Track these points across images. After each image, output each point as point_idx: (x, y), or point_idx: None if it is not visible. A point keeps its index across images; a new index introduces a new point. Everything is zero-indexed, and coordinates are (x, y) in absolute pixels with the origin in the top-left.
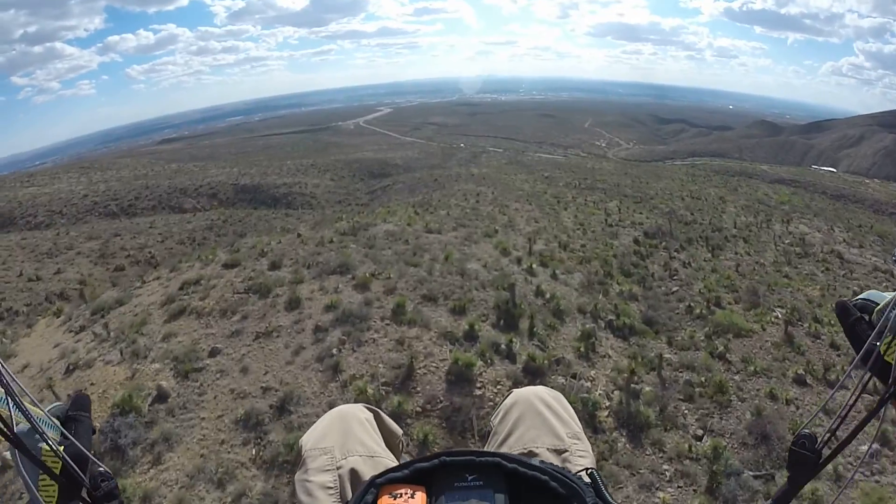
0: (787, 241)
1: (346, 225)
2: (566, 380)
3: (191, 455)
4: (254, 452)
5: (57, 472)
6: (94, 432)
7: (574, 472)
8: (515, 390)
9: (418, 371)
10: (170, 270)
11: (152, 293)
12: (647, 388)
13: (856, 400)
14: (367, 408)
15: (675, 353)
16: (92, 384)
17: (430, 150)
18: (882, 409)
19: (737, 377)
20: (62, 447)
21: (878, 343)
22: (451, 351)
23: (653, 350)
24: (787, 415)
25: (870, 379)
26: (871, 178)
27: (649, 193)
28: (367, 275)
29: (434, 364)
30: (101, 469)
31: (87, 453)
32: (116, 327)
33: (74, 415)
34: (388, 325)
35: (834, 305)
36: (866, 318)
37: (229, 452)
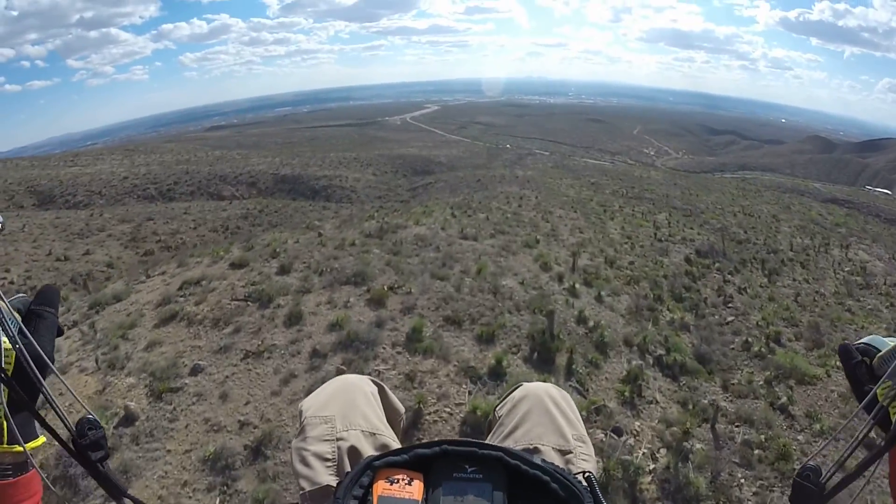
0: (846, 270)
1: (373, 225)
2: (606, 435)
3: (148, 495)
4: (217, 502)
5: (9, 372)
6: (59, 333)
7: (574, 473)
8: (525, 383)
9: (427, 417)
10: (177, 266)
11: (152, 290)
12: (699, 447)
13: (864, 436)
14: (373, 381)
15: (732, 401)
16: (61, 394)
17: (475, 150)
18: (886, 452)
19: (801, 437)
20: (17, 344)
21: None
22: (470, 393)
23: (706, 395)
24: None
25: (873, 425)
26: None
27: (699, 207)
28: (385, 288)
29: (448, 409)
30: (89, 416)
31: (47, 358)
32: (104, 327)
33: (38, 309)
34: (399, 353)
35: (837, 347)
36: (867, 361)
37: (190, 497)
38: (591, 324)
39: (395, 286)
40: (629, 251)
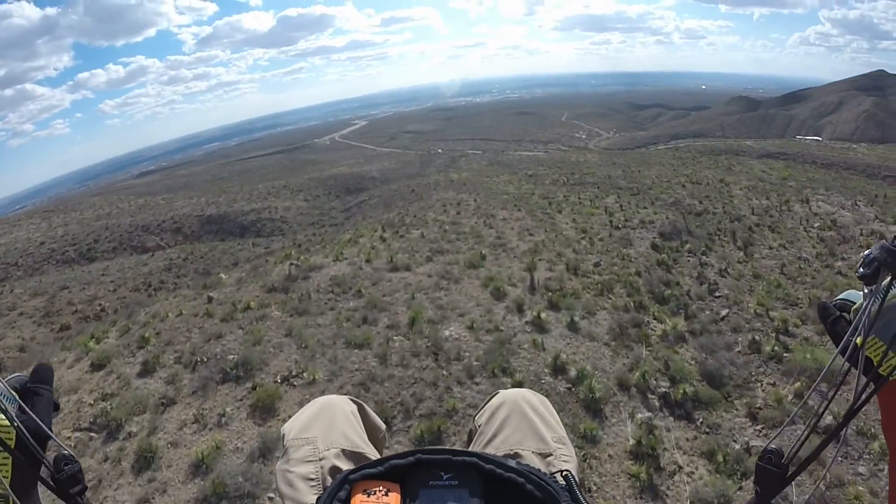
0: (816, 225)
1: (282, 272)
2: None
3: None
4: None
5: (11, 447)
6: (55, 408)
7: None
8: (502, 391)
9: None
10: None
11: None
12: None
13: (823, 412)
14: (352, 400)
15: (765, 434)
16: None
17: (407, 160)
18: (845, 427)
19: (863, 470)
20: (15, 423)
21: (853, 339)
22: None
23: (733, 433)
24: None
25: (847, 373)
26: (857, 143)
27: (645, 183)
28: (278, 381)
29: None
30: (64, 452)
31: (48, 430)
32: None
33: (34, 387)
34: None
35: (816, 306)
36: (846, 316)
37: None
38: (571, 372)
39: (293, 374)
40: (589, 248)
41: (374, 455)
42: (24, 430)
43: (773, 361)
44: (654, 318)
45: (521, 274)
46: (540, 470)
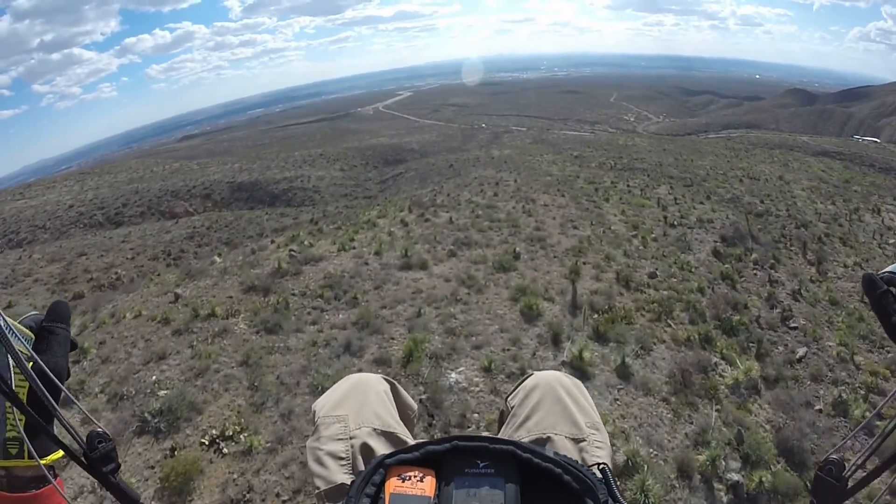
0: (891, 242)
1: (275, 259)
2: None
3: None
4: None
5: (24, 394)
6: (73, 347)
7: (591, 463)
8: (536, 373)
9: None
10: None
11: None
12: None
13: (893, 429)
14: (385, 378)
15: None
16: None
17: (449, 133)
18: None
19: None
20: (30, 363)
21: None
22: None
23: None
24: None
25: None
26: None
27: (699, 174)
28: (205, 443)
29: None
30: (98, 429)
31: (62, 374)
32: None
33: (49, 326)
34: None
35: (861, 279)
36: (894, 291)
37: None
38: (619, 456)
39: (227, 434)
40: (642, 250)
41: (405, 435)
42: (34, 377)
43: (863, 434)
44: (723, 358)
45: (561, 283)
46: (577, 461)
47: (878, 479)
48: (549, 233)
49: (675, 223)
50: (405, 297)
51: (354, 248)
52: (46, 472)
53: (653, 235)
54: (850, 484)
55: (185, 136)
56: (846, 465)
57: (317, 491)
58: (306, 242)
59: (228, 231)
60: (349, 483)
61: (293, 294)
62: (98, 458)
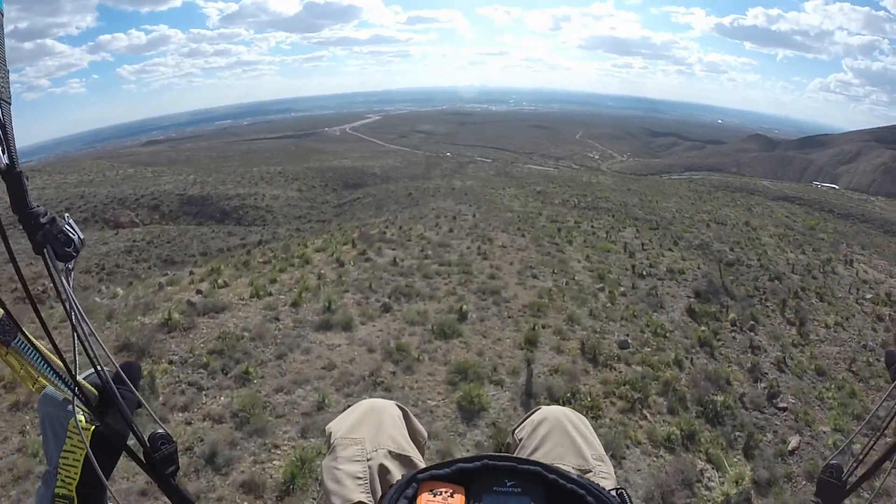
0: (868, 297)
1: (169, 306)
2: None
3: None
4: None
5: (81, 454)
6: (138, 406)
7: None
8: (544, 407)
9: None
10: None
11: None
12: None
13: (883, 431)
14: (398, 405)
15: None
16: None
17: (413, 160)
18: None
19: None
20: (92, 427)
21: None
22: None
23: None
24: None
25: (891, 420)
26: (874, 195)
27: (665, 217)
28: None
29: None
30: (160, 431)
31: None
32: None
33: (119, 389)
34: None
35: (885, 356)
36: None
37: None
38: None
39: None
40: (610, 309)
41: (419, 459)
42: (100, 434)
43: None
44: (709, 460)
45: (514, 356)
46: (599, 485)
47: (875, 476)
48: (505, 282)
49: (645, 272)
50: (311, 374)
51: (271, 294)
52: None
53: (621, 289)
54: (850, 484)
55: (149, 141)
56: (845, 468)
57: None
58: (220, 281)
59: (170, 247)
60: (367, 501)
61: (172, 360)
62: (160, 459)
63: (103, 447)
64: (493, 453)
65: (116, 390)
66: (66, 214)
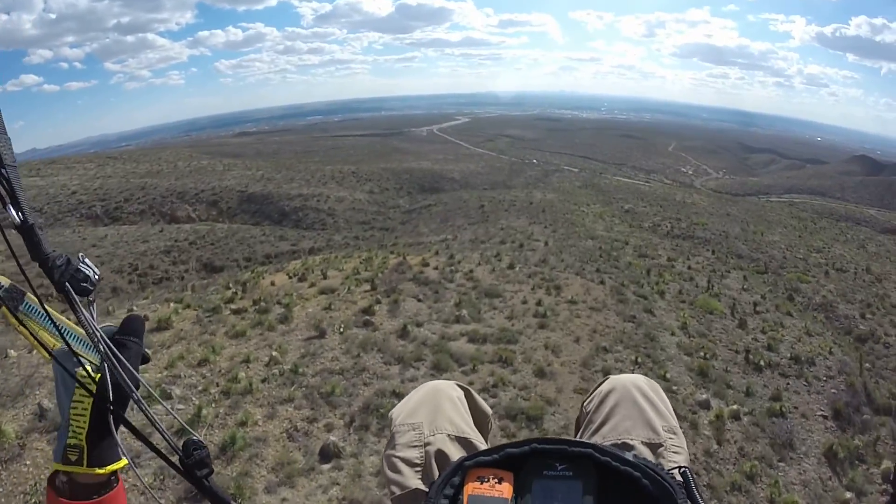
0: None
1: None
2: None
3: None
4: None
5: (88, 403)
6: (144, 360)
7: (667, 468)
8: (612, 376)
9: None
10: None
11: None
12: None
13: None
14: (459, 385)
15: None
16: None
17: (496, 165)
18: None
19: None
20: (98, 375)
21: None
22: None
23: None
24: None
25: None
26: None
27: (774, 256)
28: None
29: None
30: (194, 437)
31: (132, 383)
32: None
33: (122, 339)
34: None
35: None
36: None
37: None
38: None
39: None
40: (717, 454)
41: (480, 441)
42: (105, 383)
43: None
44: None
45: None
46: (658, 464)
47: None
48: (559, 386)
49: (761, 361)
50: None
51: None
52: (112, 478)
53: (733, 406)
54: None
55: (241, 132)
56: None
57: (392, 496)
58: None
59: (213, 250)
60: (423, 488)
61: None
62: (194, 463)
63: (112, 396)
64: (542, 437)
65: (122, 340)
66: (81, 254)
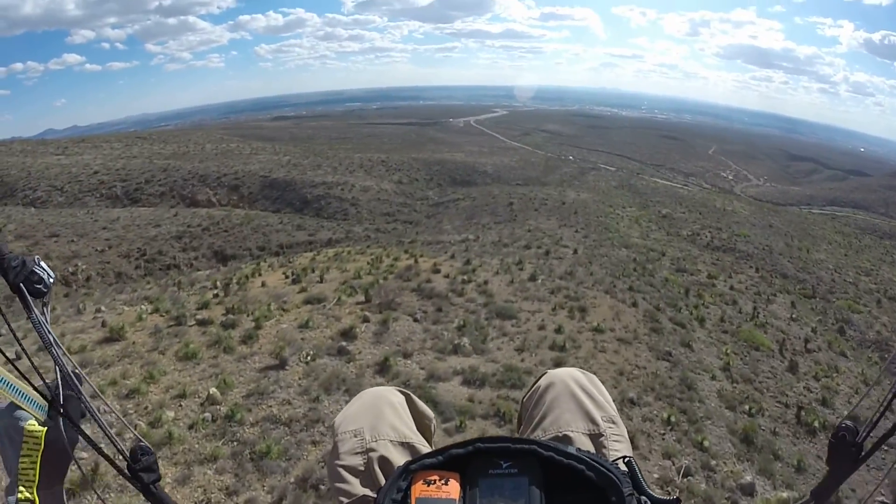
0: None
1: None
2: None
3: None
4: None
5: (37, 456)
6: (83, 415)
7: (610, 458)
8: (550, 371)
9: None
10: None
11: None
12: None
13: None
14: (399, 390)
15: None
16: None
17: (531, 160)
18: None
19: None
20: (45, 429)
21: None
22: None
23: None
24: None
25: None
26: None
27: (821, 277)
28: None
29: None
30: (141, 444)
31: (70, 439)
32: None
33: (65, 393)
34: None
35: None
36: None
37: None
38: None
39: None
40: None
41: (423, 444)
42: (49, 439)
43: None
44: None
45: None
46: (601, 456)
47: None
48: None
49: (815, 423)
50: None
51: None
52: None
53: (781, 494)
54: (866, 448)
55: (279, 116)
56: (859, 429)
57: None
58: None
59: (226, 237)
60: (371, 495)
61: None
62: (141, 469)
63: (57, 449)
64: (485, 436)
65: (62, 396)
66: (37, 257)
